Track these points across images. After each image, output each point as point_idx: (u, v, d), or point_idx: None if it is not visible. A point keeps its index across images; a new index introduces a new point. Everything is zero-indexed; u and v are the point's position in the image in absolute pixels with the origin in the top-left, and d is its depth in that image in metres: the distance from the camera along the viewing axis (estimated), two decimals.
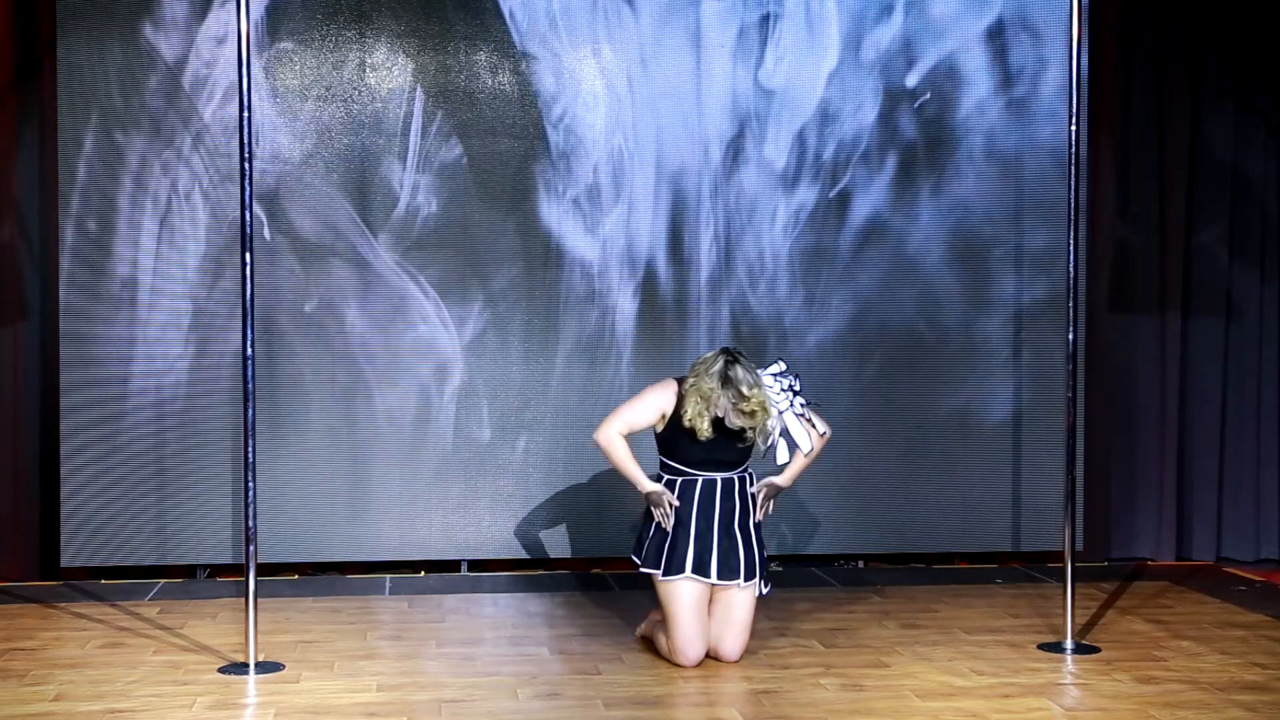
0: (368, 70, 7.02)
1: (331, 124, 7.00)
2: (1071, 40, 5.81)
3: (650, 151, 7.19)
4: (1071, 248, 5.83)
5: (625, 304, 7.18)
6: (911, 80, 7.29)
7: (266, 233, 6.95)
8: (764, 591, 5.62)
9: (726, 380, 5.40)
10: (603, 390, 7.17)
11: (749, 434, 5.48)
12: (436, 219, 7.07)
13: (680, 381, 5.53)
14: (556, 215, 7.15)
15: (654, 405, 5.56)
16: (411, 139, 7.05)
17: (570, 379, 7.18)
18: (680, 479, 5.55)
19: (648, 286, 7.21)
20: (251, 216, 5.39)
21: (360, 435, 7.08)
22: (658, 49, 7.18)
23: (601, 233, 7.16)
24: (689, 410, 5.43)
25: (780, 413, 5.55)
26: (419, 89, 7.04)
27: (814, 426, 5.64)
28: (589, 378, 7.18)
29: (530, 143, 7.12)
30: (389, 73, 7.03)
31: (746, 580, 5.52)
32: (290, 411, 7.03)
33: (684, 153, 7.21)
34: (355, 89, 7.01)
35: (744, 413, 5.41)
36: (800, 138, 7.25)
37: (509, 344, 7.15)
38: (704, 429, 5.43)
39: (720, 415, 5.43)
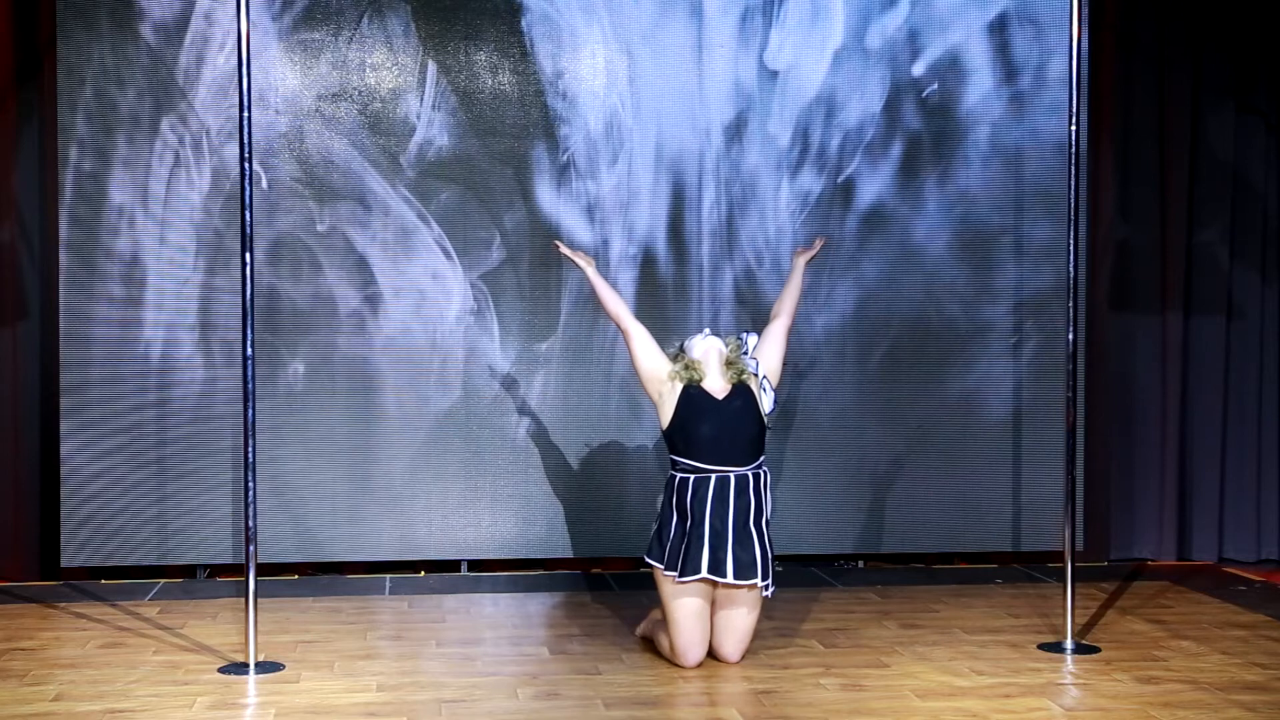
0: (371, 61, 7.03)
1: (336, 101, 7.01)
2: (1071, 40, 5.81)
3: (651, 133, 7.17)
4: (1071, 247, 5.83)
5: (626, 289, 7.18)
6: (916, 70, 7.29)
7: (264, 183, 6.94)
8: (768, 594, 5.60)
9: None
10: (600, 381, 7.18)
11: (744, 369, 5.60)
12: (442, 160, 7.08)
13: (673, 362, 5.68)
14: (558, 201, 7.14)
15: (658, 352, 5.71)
16: (420, 127, 7.06)
17: (569, 374, 7.18)
18: (694, 476, 5.52)
19: (648, 270, 7.20)
20: (252, 216, 5.39)
21: (360, 435, 7.08)
22: (660, 30, 7.17)
23: (602, 216, 7.15)
24: (688, 359, 5.62)
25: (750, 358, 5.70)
26: (429, 63, 7.04)
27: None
28: (587, 373, 7.18)
29: (532, 124, 7.12)
30: (395, 63, 7.04)
31: (762, 579, 5.49)
32: (290, 411, 7.03)
33: (685, 134, 7.19)
34: (360, 75, 7.03)
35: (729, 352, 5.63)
36: (803, 124, 7.24)
37: (509, 339, 7.16)
38: (707, 369, 5.58)
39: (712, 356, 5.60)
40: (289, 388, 7.02)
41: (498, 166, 7.11)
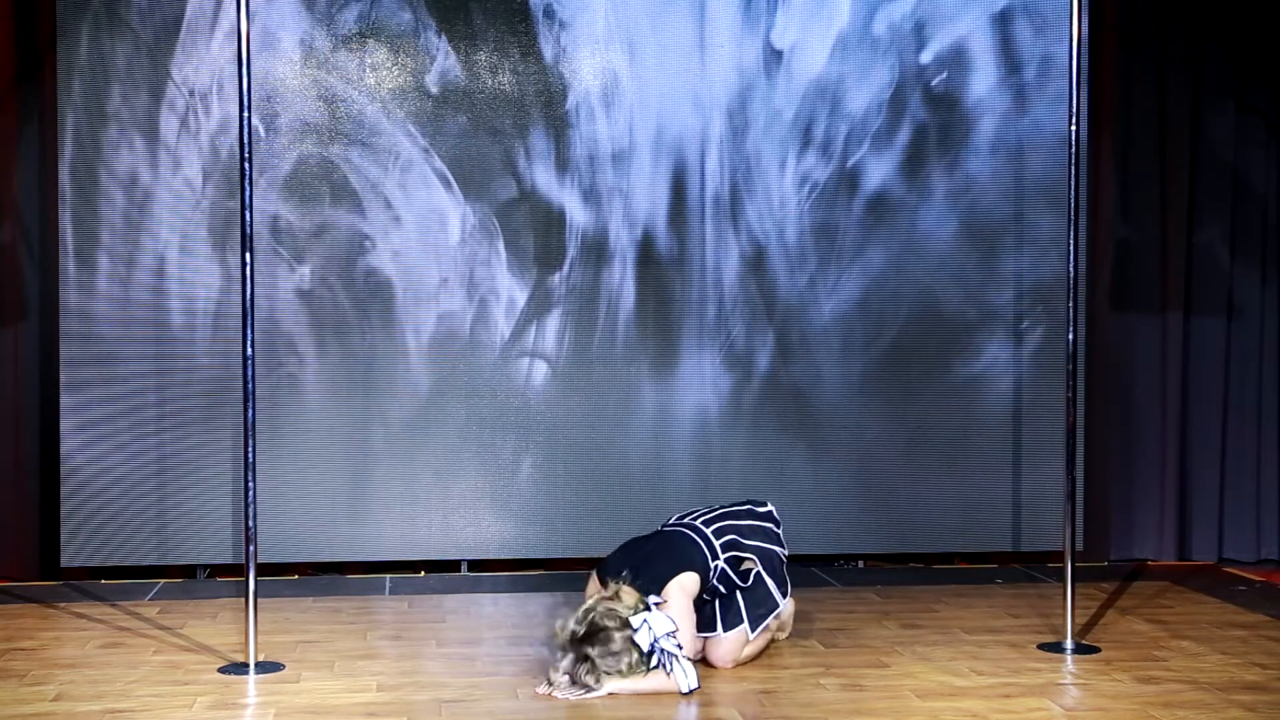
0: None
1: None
2: (1071, 39, 5.81)
3: (652, 118, 7.17)
4: (1072, 248, 5.83)
5: (628, 283, 7.18)
6: (923, 59, 7.28)
7: (263, 134, 6.93)
8: (751, 635, 5.51)
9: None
10: (599, 379, 7.18)
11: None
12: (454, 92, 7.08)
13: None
14: (558, 186, 7.14)
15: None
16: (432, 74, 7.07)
17: (570, 373, 7.19)
18: None
19: (648, 259, 7.19)
20: (252, 216, 5.39)
21: (360, 435, 7.08)
22: (663, 15, 7.16)
23: (602, 204, 7.15)
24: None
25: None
26: (441, 34, 7.06)
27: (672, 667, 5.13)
28: (588, 367, 7.19)
29: (533, 103, 7.12)
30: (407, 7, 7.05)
31: (725, 630, 5.47)
32: (290, 411, 7.02)
33: (687, 119, 7.19)
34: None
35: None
36: (808, 108, 7.23)
37: (507, 329, 7.16)
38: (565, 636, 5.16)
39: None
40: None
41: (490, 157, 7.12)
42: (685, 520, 5.61)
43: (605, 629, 5.06)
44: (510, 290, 7.15)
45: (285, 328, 7.01)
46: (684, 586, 5.29)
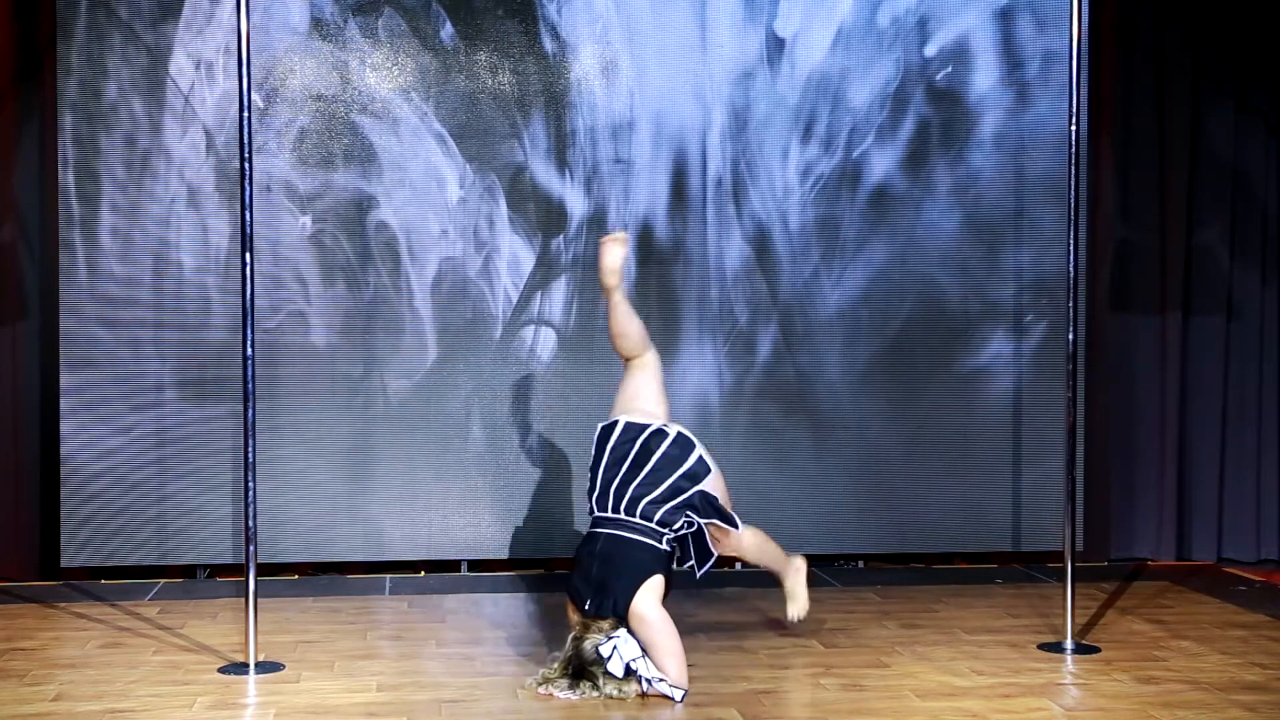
0: None
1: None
2: (1072, 40, 5.81)
3: (653, 110, 7.17)
4: (1071, 248, 5.83)
5: (629, 274, 7.18)
6: (925, 54, 7.28)
7: (262, 103, 6.93)
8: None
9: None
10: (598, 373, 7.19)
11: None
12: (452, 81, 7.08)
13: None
14: (556, 177, 7.14)
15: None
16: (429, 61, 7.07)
17: (569, 371, 7.19)
18: None
19: (650, 249, 7.19)
20: (252, 216, 5.39)
21: (361, 433, 7.08)
22: (664, 2, 7.20)
23: (604, 192, 7.15)
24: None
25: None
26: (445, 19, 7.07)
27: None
28: (589, 365, 7.19)
29: (533, 100, 7.13)
30: None
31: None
32: (290, 411, 7.02)
33: (688, 111, 7.18)
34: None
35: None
36: (808, 104, 7.23)
37: (502, 321, 7.17)
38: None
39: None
40: (290, 385, 7.02)
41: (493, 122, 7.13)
42: (608, 513, 5.30)
43: (596, 661, 5.11)
44: (508, 282, 7.15)
45: (289, 305, 7.02)
46: (650, 597, 5.18)
